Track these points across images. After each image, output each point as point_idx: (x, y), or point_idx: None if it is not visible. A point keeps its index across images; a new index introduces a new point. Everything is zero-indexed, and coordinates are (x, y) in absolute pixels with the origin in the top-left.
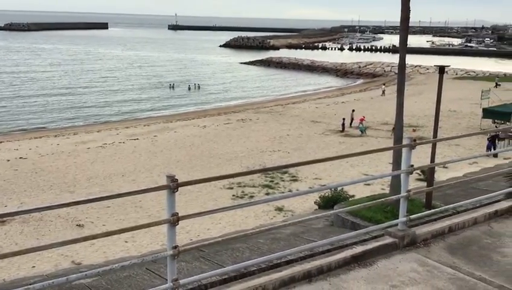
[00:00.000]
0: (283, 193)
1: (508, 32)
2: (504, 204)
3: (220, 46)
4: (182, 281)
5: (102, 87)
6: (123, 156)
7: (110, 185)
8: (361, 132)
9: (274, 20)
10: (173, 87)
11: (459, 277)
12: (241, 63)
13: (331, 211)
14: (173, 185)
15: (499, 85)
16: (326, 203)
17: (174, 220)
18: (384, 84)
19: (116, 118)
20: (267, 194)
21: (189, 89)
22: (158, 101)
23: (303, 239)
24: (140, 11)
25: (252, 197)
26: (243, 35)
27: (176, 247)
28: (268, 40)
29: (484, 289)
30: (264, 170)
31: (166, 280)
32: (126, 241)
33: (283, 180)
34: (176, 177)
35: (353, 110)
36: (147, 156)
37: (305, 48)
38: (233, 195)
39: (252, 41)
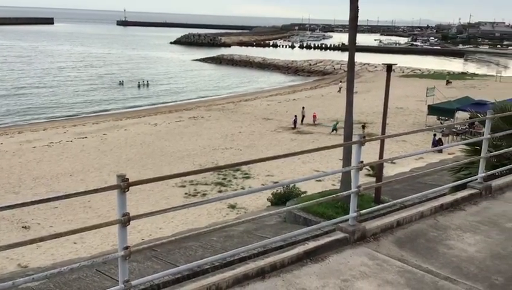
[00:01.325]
0: (236, 190)
1: (452, 32)
2: (449, 198)
3: (171, 42)
4: (133, 282)
5: (50, 84)
6: (71, 155)
7: (58, 185)
8: (334, 130)
9: (225, 17)
10: (122, 84)
11: (407, 269)
12: (193, 60)
13: (284, 208)
14: (124, 185)
15: (450, 82)
16: (279, 199)
17: (125, 221)
18: (341, 82)
19: (64, 116)
20: (220, 191)
21: (139, 86)
22: (107, 99)
23: (256, 236)
24: (86, 6)
25: (204, 195)
26: (193, 32)
27: (127, 247)
28: (219, 37)
29: (431, 281)
30: (217, 168)
31: (118, 281)
32: (75, 243)
33: (236, 178)
34: (126, 177)
35: (303, 108)
36: (96, 155)
37: (257, 46)
38: (186, 193)
39: (203, 38)
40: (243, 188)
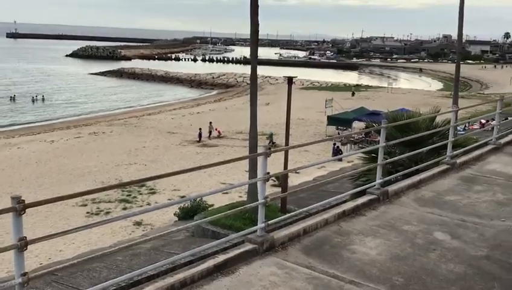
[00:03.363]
0: (141, 206)
1: (346, 46)
2: (350, 204)
3: (67, 55)
4: None
5: None
6: None
7: None
8: (271, 141)
9: (124, 30)
10: (14, 99)
11: (314, 276)
12: (91, 74)
13: (192, 223)
14: (19, 207)
15: (354, 94)
16: (186, 214)
17: (22, 245)
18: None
19: None
20: (125, 209)
21: (33, 101)
22: None
23: (164, 253)
24: None
25: (108, 213)
26: (91, 45)
27: (25, 274)
28: (119, 50)
29: (337, 285)
30: (121, 185)
31: None
32: None
33: (141, 194)
34: (22, 198)
35: (210, 123)
36: None
37: (158, 59)
38: (88, 212)
39: (102, 51)
40: (148, 204)
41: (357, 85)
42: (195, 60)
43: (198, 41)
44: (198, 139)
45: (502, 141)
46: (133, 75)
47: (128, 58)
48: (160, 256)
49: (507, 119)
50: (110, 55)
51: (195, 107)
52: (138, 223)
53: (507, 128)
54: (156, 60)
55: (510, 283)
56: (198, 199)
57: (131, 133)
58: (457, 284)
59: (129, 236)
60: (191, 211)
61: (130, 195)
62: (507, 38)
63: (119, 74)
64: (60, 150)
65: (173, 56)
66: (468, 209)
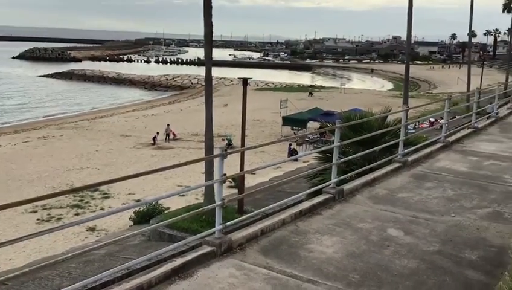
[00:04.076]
0: (95, 211)
1: (299, 47)
2: (307, 204)
3: (14, 57)
4: None
5: None
6: None
7: None
8: (229, 144)
9: (75, 31)
10: None
11: (273, 276)
12: (40, 76)
13: (148, 227)
14: None
15: (312, 94)
16: (142, 218)
17: None
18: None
19: None
20: (77, 214)
21: None
22: None
23: (120, 258)
24: None
25: (60, 219)
26: (39, 46)
27: None
28: (68, 52)
29: (295, 284)
30: (73, 190)
31: None
32: None
33: (94, 199)
34: None
35: (168, 125)
36: None
37: (110, 60)
38: (39, 219)
39: (51, 52)
40: (102, 209)
41: (311, 86)
42: (148, 61)
43: (151, 42)
44: (153, 142)
45: (451, 139)
46: (83, 77)
47: (79, 60)
48: (115, 262)
49: (455, 117)
50: (59, 57)
51: (149, 109)
52: (92, 229)
53: (455, 127)
54: (108, 62)
55: (461, 276)
56: (154, 203)
57: (83, 137)
58: (410, 279)
59: (82, 242)
60: (146, 215)
61: (82, 200)
62: (453, 39)
63: (69, 75)
64: (7, 155)
65: (125, 57)
66: (419, 205)
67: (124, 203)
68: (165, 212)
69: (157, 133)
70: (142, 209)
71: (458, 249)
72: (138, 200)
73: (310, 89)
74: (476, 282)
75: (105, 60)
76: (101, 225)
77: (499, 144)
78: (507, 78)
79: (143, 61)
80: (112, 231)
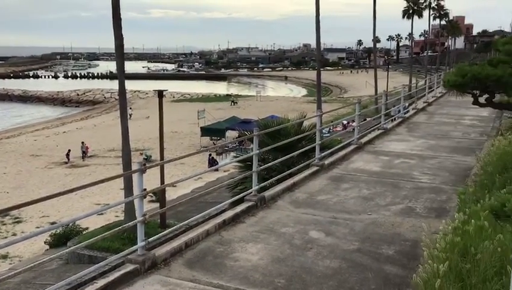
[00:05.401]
0: (6, 238)
1: (213, 57)
2: (230, 213)
3: None
4: None
5: None
6: None
7: None
8: (146, 158)
9: None
10: None
11: (199, 288)
12: None
13: (65, 250)
14: None
15: (236, 103)
16: (59, 241)
17: None
18: (130, 108)
19: None
20: None
21: None
22: None
23: (36, 285)
24: None
25: None
26: None
27: None
28: None
29: None
30: None
31: None
32: None
33: (4, 224)
34: None
35: (83, 142)
36: None
37: (14, 77)
38: None
39: None
40: (14, 235)
41: (232, 95)
42: (56, 76)
43: (58, 57)
44: (66, 160)
45: (363, 140)
46: None
47: None
48: (31, 289)
49: (365, 120)
50: None
51: (61, 126)
52: (4, 257)
53: (366, 129)
54: (12, 79)
55: (381, 271)
56: (70, 224)
57: None
58: (334, 278)
59: None
60: (63, 237)
61: None
62: (360, 45)
63: None
64: None
65: (31, 74)
66: (338, 206)
67: (37, 227)
68: (84, 232)
69: (69, 150)
70: (58, 231)
71: (376, 245)
72: (53, 223)
73: (233, 98)
74: (393, 276)
75: (10, 77)
76: (14, 252)
77: (407, 143)
78: (411, 80)
79: (51, 76)
80: (27, 257)
